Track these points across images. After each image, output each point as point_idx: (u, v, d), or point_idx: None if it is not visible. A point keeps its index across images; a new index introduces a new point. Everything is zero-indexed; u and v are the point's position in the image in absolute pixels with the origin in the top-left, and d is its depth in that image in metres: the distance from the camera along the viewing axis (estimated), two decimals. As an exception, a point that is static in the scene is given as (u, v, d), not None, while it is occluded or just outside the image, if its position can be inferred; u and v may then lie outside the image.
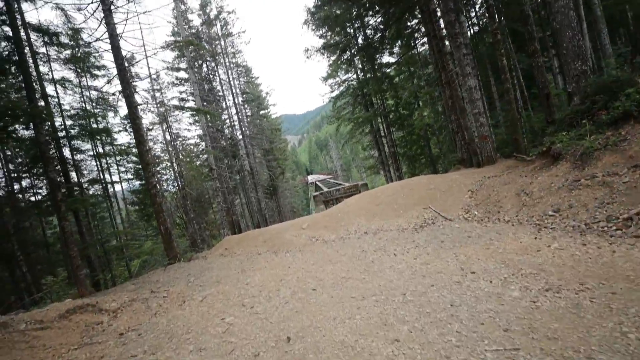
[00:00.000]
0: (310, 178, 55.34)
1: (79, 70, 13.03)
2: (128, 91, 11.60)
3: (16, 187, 14.19)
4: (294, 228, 9.30)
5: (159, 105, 16.42)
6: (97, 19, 11.45)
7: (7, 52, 10.40)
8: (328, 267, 4.92)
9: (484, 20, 15.85)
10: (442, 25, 10.98)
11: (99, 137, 12.39)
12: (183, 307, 4.40)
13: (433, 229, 5.86)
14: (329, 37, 19.98)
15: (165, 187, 28.12)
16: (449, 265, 3.86)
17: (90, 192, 15.65)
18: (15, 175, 13.49)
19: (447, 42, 11.09)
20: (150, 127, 26.09)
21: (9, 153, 13.92)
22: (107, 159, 18.50)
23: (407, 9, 13.70)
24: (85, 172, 12.98)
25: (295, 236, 8.55)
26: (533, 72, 8.31)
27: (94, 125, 12.34)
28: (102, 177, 13.91)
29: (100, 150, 14.91)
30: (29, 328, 3.63)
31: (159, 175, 27.91)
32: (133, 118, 11.88)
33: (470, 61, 10.21)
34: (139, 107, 21.53)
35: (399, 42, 20.72)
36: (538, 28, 10.28)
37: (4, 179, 13.43)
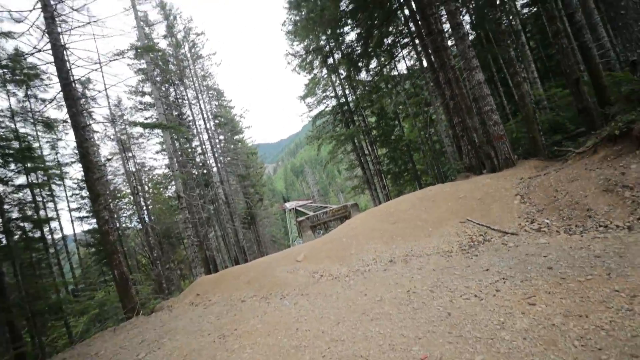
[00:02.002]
0: (289, 205, 53.00)
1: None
2: (74, 109, 9.75)
3: None
4: (286, 261, 7.25)
5: (113, 124, 14.13)
6: (41, 30, 9.70)
7: None
8: (371, 328, 2.94)
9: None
10: (439, 18, 9.96)
11: (30, 164, 9.90)
12: None
13: (498, 249, 4.11)
14: (309, 44, 19.01)
15: (128, 223, 24.94)
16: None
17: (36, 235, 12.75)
18: None
19: (445, 36, 9.97)
20: (110, 157, 23.33)
21: None
22: (51, 191, 15.67)
23: (392, 12, 12.77)
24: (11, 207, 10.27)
25: (291, 272, 6.51)
26: (558, 56, 7.17)
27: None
28: (37, 214, 11.20)
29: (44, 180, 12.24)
30: None
31: (120, 211, 24.79)
32: (80, 141, 9.87)
33: (475, 54, 9.08)
34: (91, 129, 18.93)
35: (378, 57, 20.10)
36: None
37: None
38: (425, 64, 17.72)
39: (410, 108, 22.35)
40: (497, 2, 9.27)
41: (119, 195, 24.31)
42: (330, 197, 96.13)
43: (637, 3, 4.80)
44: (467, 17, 15.84)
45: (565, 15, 7.57)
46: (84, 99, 18.30)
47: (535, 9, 18.35)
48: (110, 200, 21.14)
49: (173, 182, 16.90)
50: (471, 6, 14.35)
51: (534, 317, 2.52)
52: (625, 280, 2.58)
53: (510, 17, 12.97)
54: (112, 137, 21.80)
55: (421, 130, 23.69)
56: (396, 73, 24.10)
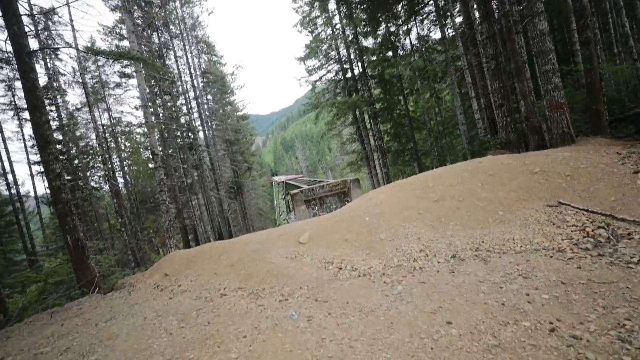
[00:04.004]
0: (277, 178, 51.08)
1: None
2: (16, 28, 7.46)
3: None
4: (283, 241, 5.48)
5: (77, 54, 11.59)
6: None
7: None
8: None
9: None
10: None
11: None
12: None
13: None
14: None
15: (103, 184, 22.57)
16: None
17: None
18: None
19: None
20: (80, 106, 20.55)
21: None
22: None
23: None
24: None
25: (291, 259, 4.75)
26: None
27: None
28: None
29: None
30: None
31: (92, 170, 22.33)
32: (24, 70, 7.73)
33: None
34: (56, 70, 16.13)
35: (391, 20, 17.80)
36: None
37: None
38: (447, 32, 15.69)
39: (421, 81, 20.33)
40: None
41: (91, 151, 21.73)
42: (319, 174, 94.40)
43: None
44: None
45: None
46: (41, 26, 15.38)
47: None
48: (77, 155, 18.67)
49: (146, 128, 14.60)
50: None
51: None
52: None
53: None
54: (78, 78, 18.89)
55: (429, 108, 21.81)
56: (407, 41, 21.95)
